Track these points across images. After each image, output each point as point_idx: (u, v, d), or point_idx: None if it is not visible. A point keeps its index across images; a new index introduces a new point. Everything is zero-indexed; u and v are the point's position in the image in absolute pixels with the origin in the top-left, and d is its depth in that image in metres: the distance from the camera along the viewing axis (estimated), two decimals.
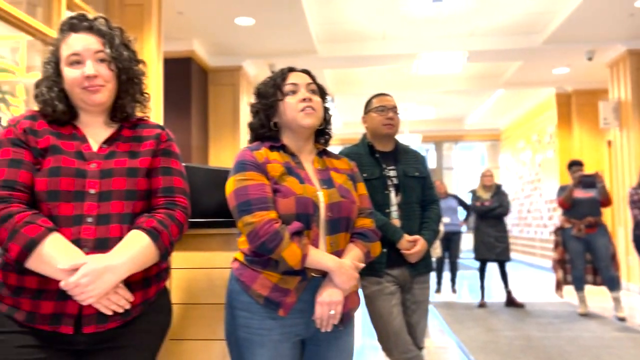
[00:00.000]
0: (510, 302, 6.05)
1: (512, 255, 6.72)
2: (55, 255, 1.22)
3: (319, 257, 1.50)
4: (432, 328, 4.98)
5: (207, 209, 1.84)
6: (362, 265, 1.59)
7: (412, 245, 2.34)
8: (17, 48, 4.41)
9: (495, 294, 6.78)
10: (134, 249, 1.29)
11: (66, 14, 3.97)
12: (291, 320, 1.52)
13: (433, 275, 6.83)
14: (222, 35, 6.33)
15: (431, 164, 13.30)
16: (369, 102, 2.54)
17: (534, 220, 10.76)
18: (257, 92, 1.66)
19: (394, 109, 2.47)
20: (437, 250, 4.72)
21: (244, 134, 7.21)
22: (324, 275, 1.53)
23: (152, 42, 4.57)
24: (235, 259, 1.61)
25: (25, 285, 1.26)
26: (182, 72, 6.41)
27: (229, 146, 7.07)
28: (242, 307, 1.53)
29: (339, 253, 1.56)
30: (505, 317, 5.49)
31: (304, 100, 1.59)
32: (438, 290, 7.19)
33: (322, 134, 1.71)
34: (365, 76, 8.77)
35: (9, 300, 1.27)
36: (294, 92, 1.61)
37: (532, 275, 9.17)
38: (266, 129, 1.63)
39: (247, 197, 1.48)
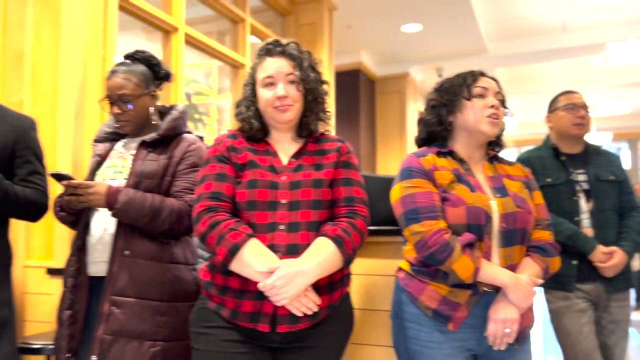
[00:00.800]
0: None
1: None
2: (254, 259, 1.34)
3: (493, 271, 1.43)
4: (632, 351, 4.40)
5: (384, 216, 1.87)
6: (540, 281, 1.48)
7: (607, 257, 2.10)
8: (210, 73, 4.98)
9: None
10: (322, 255, 1.36)
11: (250, 39, 4.38)
12: (462, 335, 1.47)
13: (633, 292, 6.04)
14: (389, 44, 6.41)
15: (625, 164, 11.76)
16: (555, 100, 2.34)
17: None
18: (440, 87, 1.64)
19: (584, 106, 2.25)
20: (636, 263, 4.17)
21: (411, 141, 7.17)
22: (496, 290, 1.46)
23: (324, 57, 4.81)
24: (400, 269, 1.59)
25: (229, 286, 1.41)
26: (351, 83, 6.65)
27: (396, 153, 7.11)
28: (410, 319, 1.51)
29: (513, 267, 1.47)
30: None
31: (492, 107, 1.54)
32: (638, 307, 6.35)
33: (492, 144, 1.64)
34: (542, 72, 8.13)
35: (217, 298, 1.43)
36: (481, 96, 1.56)
37: None
38: (442, 126, 1.60)
39: (414, 205, 1.47)
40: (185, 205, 1.69)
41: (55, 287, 2.44)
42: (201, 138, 1.91)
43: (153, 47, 3.65)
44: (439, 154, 1.57)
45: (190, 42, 3.66)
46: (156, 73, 1.85)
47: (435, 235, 1.41)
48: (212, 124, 4.88)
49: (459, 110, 1.57)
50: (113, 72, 1.78)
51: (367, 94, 7.07)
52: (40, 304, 2.54)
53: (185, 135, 1.84)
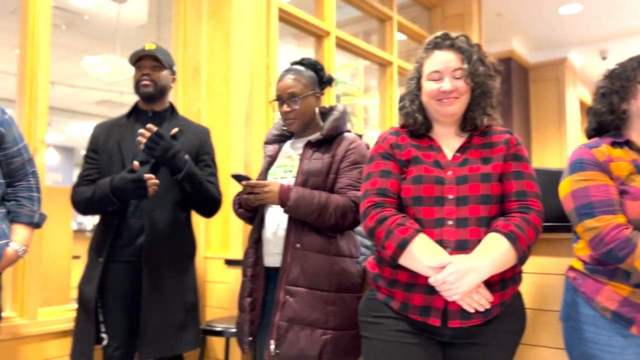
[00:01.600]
0: None
1: None
2: (423, 253, 1.36)
3: None
4: None
5: (553, 212, 1.77)
6: None
7: None
8: (356, 73, 5.10)
9: None
10: (495, 251, 1.34)
11: (397, 36, 4.39)
12: None
13: None
14: (544, 28, 5.99)
15: None
16: None
17: None
18: (610, 73, 1.52)
19: None
20: None
21: (571, 131, 6.64)
22: None
23: None
24: (572, 268, 1.50)
25: (398, 279, 1.44)
26: (501, 73, 6.33)
27: (554, 145, 6.63)
28: (586, 321, 1.42)
29: None
30: None
31: None
32: None
33: None
34: None
35: (385, 290, 1.47)
36: None
37: None
38: (615, 115, 1.48)
39: (588, 199, 1.37)
40: (349, 201, 1.77)
41: (231, 276, 2.71)
42: (360, 136, 1.97)
43: (304, 52, 3.84)
44: (613, 144, 1.46)
45: (341, 44, 3.78)
46: (321, 77, 1.96)
47: (614, 231, 1.32)
48: (359, 123, 4.99)
49: (634, 96, 1.45)
50: (283, 75, 1.93)
51: (520, 82, 6.68)
52: (219, 291, 2.82)
53: (346, 134, 1.93)
